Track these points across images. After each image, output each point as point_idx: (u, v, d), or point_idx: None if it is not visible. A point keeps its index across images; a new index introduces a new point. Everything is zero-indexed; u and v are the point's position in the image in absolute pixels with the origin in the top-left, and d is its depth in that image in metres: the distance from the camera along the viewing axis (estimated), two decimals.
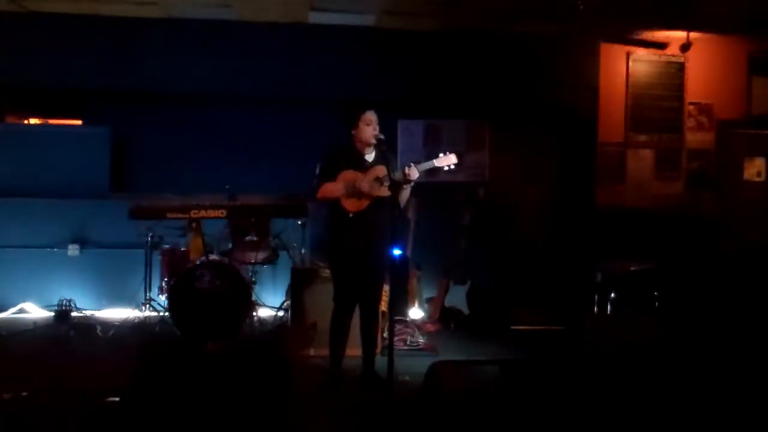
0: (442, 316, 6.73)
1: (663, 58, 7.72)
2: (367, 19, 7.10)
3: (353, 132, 4.63)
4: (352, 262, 4.63)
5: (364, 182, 4.55)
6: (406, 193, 4.65)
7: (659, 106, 7.77)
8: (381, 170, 4.53)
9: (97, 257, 6.87)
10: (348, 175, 4.59)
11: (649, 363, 4.68)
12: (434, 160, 4.64)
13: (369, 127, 4.56)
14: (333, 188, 4.60)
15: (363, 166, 4.63)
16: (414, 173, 4.48)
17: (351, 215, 4.59)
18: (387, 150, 4.66)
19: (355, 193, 4.56)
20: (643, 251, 6.92)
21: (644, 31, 7.53)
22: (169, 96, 7.20)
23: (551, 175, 7.70)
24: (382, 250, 4.52)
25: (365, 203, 4.58)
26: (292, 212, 6.16)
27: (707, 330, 6.14)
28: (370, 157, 4.68)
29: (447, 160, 4.64)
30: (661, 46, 7.65)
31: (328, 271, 5.31)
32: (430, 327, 6.50)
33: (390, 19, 7.05)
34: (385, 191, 4.53)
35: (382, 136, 4.54)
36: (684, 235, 7.49)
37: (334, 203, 4.64)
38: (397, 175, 4.48)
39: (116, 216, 6.19)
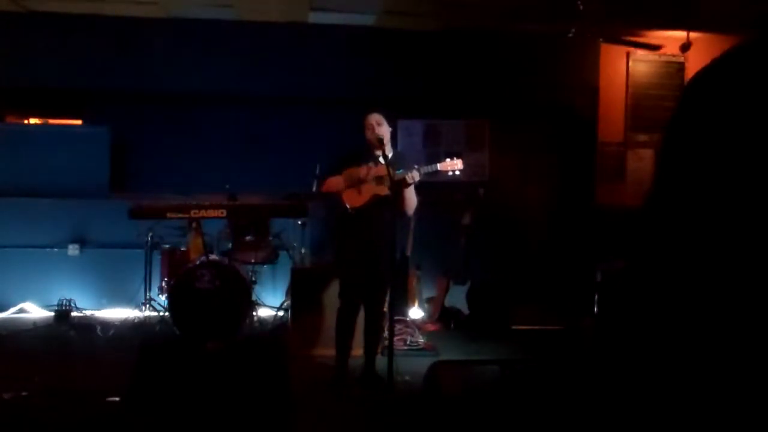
0: (442, 316, 6.72)
1: (663, 58, 7.71)
2: (367, 19, 7.10)
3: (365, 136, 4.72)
4: (355, 260, 4.64)
5: (366, 172, 4.58)
6: (411, 196, 4.65)
7: (659, 106, 7.76)
8: (383, 170, 4.54)
9: (97, 257, 6.87)
10: (351, 170, 4.62)
11: (648, 363, 4.67)
12: (438, 164, 4.67)
13: (368, 131, 4.65)
14: (335, 181, 4.64)
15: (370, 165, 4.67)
16: (415, 176, 4.51)
17: (351, 211, 4.60)
18: (395, 152, 4.71)
19: (354, 183, 4.58)
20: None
21: (644, 31, 7.53)
22: (169, 96, 7.20)
23: (551, 174, 7.69)
24: (385, 249, 4.53)
25: (365, 198, 4.58)
26: (292, 212, 6.15)
27: (707, 330, 6.14)
28: (382, 159, 4.70)
29: (451, 165, 4.65)
30: (655, 47, 7.63)
31: (328, 269, 5.32)
32: (430, 327, 6.50)
33: (390, 19, 7.05)
34: (384, 190, 4.54)
35: (382, 138, 4.57)
36: None
37: (336, 201, 4.66)
38: (398, 176, 4.50)
39: (116, 216, 6.18)
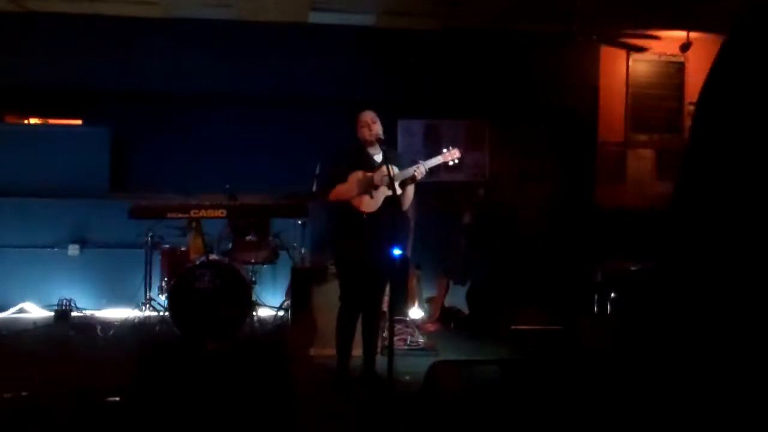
0: (442, 316, 6.73)
1: (663, 58, 7.71)
2: (367, 19, 7.10)
3: (357, 135, 4.69)
4: (362, 264, 4.64)
5: (378, 177, 4.59)
6: (410, 193, 4.68)
7: (659, 106, 7.76)
8: (386, 170, 4.54)
9: (97, 257, 6.87)
10: (359, 175, 4.61)
11: (648, 363, 4.67)
12: (440, 156, 4.71)
13: (365, 129, 4.63)
14: (346, 188, 4.61)
15: (372, 166, 4.66)
16: (423, 171, 4.54)
17: (366, 217, 4.60)
18: (389, 150, 4.69)
19: (368, 190, 4.58)
20: (644, 251, 6.91)
21: (644, 31, 7.52)
22: (169, 96, 7.20)
23: (551, 174, 7.68)
24: (386, 252, 4.53)
25: (379, 201, 4.60)
26: (292, 212, 6.16)
27: (707, 330, 6.14)
28: (378, 157, 4.70)
29: (451, 155, 4.71)
30: (640, 49, 7.61)
31: (328, 270, 5.32)
32: (430, 327, 6.51)
33: (390, 19, 7.05)
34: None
35: (381, 136, 4.57)
36: None
37: (345, 205, 4.65)
38: (405, 174, 4.52)
39: (116, 216, 6.18)
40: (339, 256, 4.83)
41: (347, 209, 4.64)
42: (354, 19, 7.08)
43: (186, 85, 7.17)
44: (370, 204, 4.60)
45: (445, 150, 4.73)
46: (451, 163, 4.73)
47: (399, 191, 4.51)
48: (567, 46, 7.34)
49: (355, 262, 4.67)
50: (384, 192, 4.57)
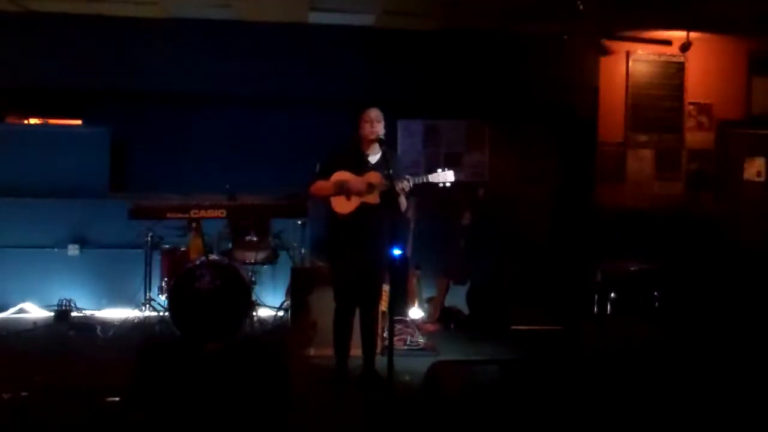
0: (442, 316, 6.73)
1: (663, 58, 7.71)
2: (367, 19, 7.10)
3: (359, 131, 4.65)
4: (347, 263, 4.65)
5: (355, 184, 4.55)
6: (402, 202, 4.65)
7: (659, 106, 7.76)
8: (376, 177, 4.53)
9: (97, 257, 6.86)
10: (342, 175, 4.60)
11: (648, 363, 4.68)
12: (430, 176, 4.62)
13: (367, 125, 4.58)
14: (323, 186, 4.61)
15: (364, 168, 4.63)
16: (405, 187, 4.49)
17: (339, 217, 4.60)
18: (389, 152, 4.67)
19: (343, 192, 4.56)
20: (643, 251, 6.92)
21: (645, 31, 7.52)
22: (169, 96, 7.19)
23: (551, 175, 7.70)
24: (377, 252, 4.54)
25: (353, 206, 4.57)
26: (292, 212, 6.16)
27: (707, 330, 6.14)
28: (373, 158, 4.67)
29: (443, 177, 4.60)
30: (666, 42, 7.60)
31: (328, 270, 5.32)
32: (430, 327, 6.51)
33: (390, 19, 7.05)
34: (374, 198, 4.53)
35: (382, 137, 4.55)
36: (684, 235, 7.50)
37: (326, 204, 4.65)
38: (389, 186, 4.43)
39: (116, 216, 6.19)
40: (329, 255, 4.85)
41: (328, 208, 4.65)
42: (354, 19, 7.08)
43: (186, 85, 7.16)
44: (344, 205, 4.58)
45: (439, 170, 4.62)
46: (440, 185, 4.60)
47: (377, 201, 4.48)
48: (567, 46, 7.34)
49: (342, 262, 4.68)
50: (363, 198, 4.53)
